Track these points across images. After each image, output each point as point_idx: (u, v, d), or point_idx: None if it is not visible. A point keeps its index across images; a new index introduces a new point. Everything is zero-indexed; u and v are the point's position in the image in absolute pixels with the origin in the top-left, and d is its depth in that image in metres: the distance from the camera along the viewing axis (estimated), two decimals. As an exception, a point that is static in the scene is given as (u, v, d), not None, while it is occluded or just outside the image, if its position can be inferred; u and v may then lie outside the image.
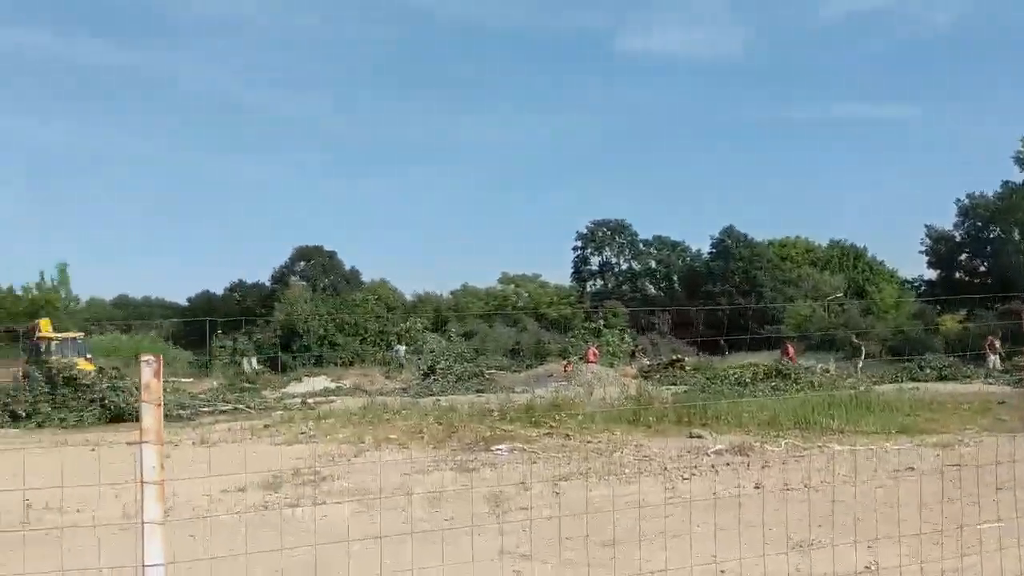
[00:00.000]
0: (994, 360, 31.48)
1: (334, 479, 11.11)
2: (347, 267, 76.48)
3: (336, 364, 43.41)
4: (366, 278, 74.66)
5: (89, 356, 32.79)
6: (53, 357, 30.71)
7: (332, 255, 76.54)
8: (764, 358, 33.71)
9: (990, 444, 12.12)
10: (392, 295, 66.50)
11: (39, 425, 20.08)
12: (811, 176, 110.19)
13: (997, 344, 32.09)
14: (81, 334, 39.18)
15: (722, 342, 45.23)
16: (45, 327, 38.18)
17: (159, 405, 2.66)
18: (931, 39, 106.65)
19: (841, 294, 61.27)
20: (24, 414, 20.76)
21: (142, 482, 2.67)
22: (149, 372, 2.69)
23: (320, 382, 33.19)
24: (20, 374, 26.31)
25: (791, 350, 35.03)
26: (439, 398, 23.27)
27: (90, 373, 23.96)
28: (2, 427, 19.98)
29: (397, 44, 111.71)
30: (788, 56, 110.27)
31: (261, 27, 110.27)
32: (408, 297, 73.09)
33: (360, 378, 35.31)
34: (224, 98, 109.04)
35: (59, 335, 37.13)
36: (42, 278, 57.72)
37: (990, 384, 25.54)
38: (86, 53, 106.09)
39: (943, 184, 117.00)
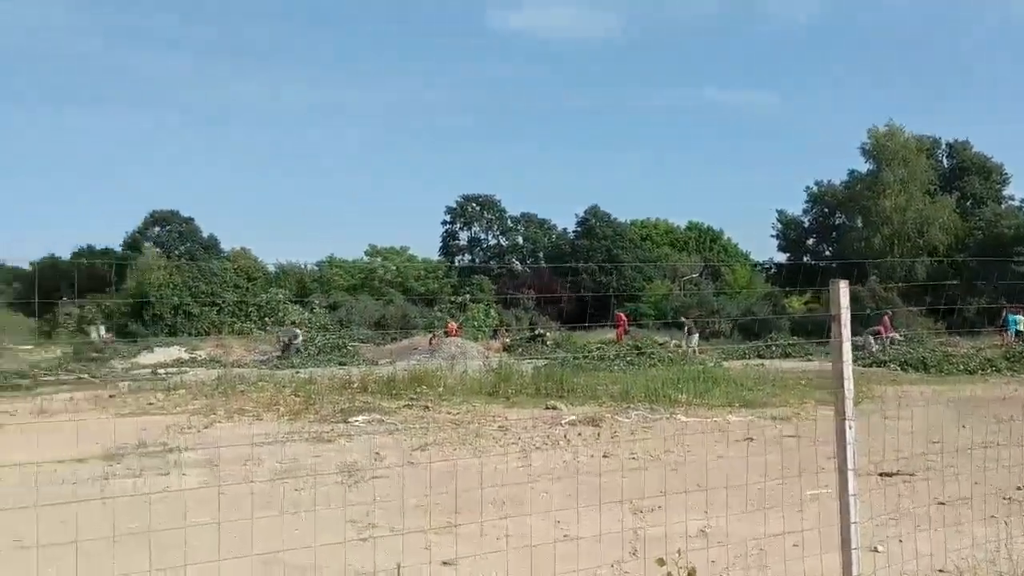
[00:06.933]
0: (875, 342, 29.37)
1: (181, 450, 10.73)
2: (205, 234, 73.86)
3: (191, 335, 41.70)
4: (226, 246, 72.18)
5: None
6: None
7: (189, 220, 73.57)
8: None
9: (824, 417, 12.90)
10: (253, 265, 64.45)
11: None
12: (673, 159, 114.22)
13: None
14: None
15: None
16: None
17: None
18: (789, 34, 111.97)
19: (697, 274, 63.63)
20: None
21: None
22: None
23: (173, 353, 31.91)
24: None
25: (625, 321, 36.35)
26: (298, 370, 22.78)
27: None
28: None
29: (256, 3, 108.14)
30: (654, 42, 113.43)
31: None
32: (271, 268, 71.07)
33: (216, 349, 34.18)
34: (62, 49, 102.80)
35: None
36: None
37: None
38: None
39: (795, 172, 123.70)
